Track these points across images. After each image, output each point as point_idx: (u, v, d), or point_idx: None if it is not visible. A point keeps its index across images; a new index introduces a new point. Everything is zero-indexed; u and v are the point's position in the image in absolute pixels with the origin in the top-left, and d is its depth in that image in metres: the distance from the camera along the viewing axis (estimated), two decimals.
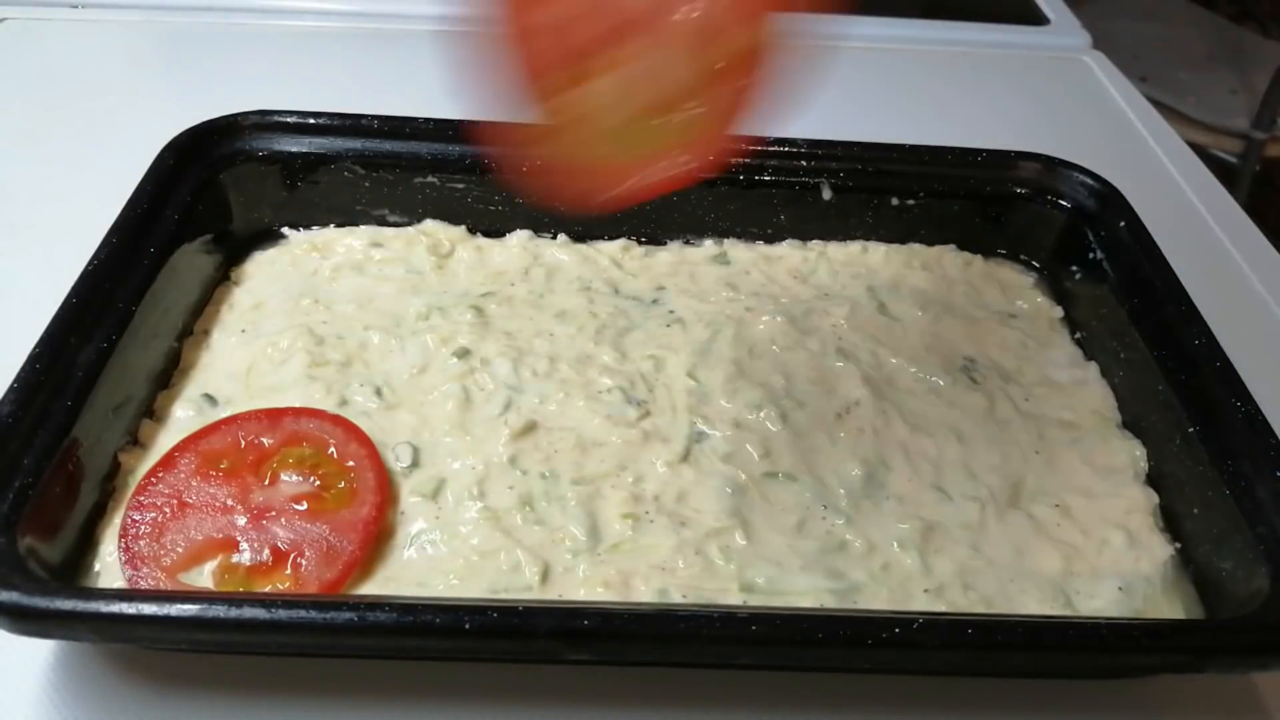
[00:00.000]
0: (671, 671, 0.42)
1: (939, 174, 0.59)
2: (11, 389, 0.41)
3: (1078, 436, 0.50)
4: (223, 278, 0.55)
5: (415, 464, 0.46)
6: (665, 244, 0.60)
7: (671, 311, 0.55)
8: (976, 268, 0.60)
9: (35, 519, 0.39)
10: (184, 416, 0.47)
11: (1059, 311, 0.57)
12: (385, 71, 0.77)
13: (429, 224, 0.58)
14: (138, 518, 0.42)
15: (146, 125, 0.57)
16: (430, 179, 0.57)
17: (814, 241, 0.60)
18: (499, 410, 0.48)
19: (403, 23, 0.82)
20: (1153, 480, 0.48)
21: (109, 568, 0.41)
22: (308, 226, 0.57)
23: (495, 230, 0.58)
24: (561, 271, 0.56)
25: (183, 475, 0.43)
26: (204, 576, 0.41)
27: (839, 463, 0.47)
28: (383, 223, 0.58)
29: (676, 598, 0.41)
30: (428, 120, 0.57)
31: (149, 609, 0.35)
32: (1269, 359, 0.56)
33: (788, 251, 0.60)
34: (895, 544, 0.44)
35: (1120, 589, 0.43)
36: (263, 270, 0.55)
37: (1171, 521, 0.47)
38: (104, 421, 0.44)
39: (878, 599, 0.42)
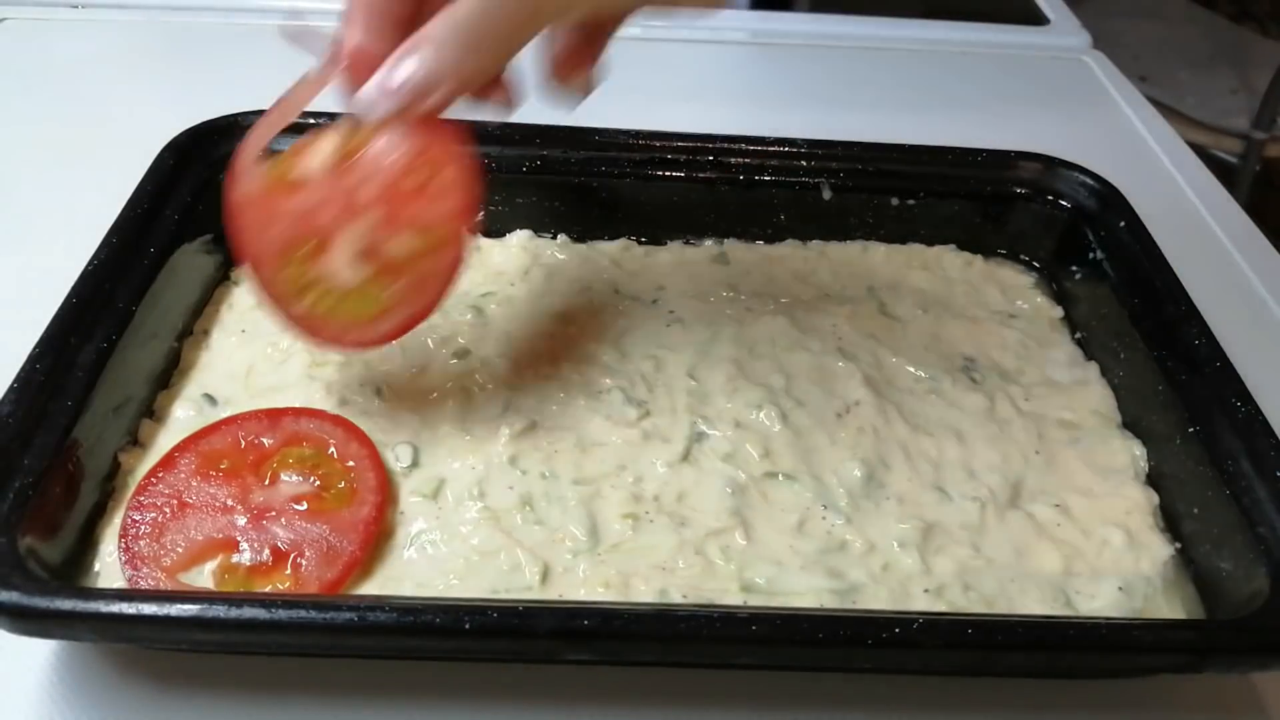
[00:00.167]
0: (671, 671, 0.42)
1: (939, 174, 0.59)
2: (11, 389, 0.41)
3: (1078, 436, 0.50)
4: (223, 278, 0.55)
5: (415, 464, 0.46)
6: (665, 244, 0.60)
7: (671, 311, 0.55)
8: (976, 268, 0.60)
9: (35, 519, 0.39)
10: (184, 416, 0.47)
11: (1059, 311, 0.57)
12: None
13: None
14: (138, 518, 0.42)
15: (146, 125, 0.57)
16: None
17: (814, 241, 0.60)
18: (499, 410, 0.48)
19: None
20: (1153, 480, 0.48)
21: (109, 568, 0.41)
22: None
23: (495, 230, 0.59)
24: (561, 271, 0.56)
25: (183, 475, 0.43)
26: (204, 576, 0.41)
27: (839, 463, 0.47)
28: None
29: (676, 598, 0.41)
30: None
31: (149, 609, 0.35)
32: (1269, 359, 0.56)
33: (788, 251, 0.60)
34: (895, 544, 0.44)
35: (1120, 589, 0.43)
36: None
37: (1171, 521, 0.47)
38: (104, 421, 0.44)
39: (878, 599, 0.42)
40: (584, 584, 0.42)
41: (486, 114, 0.42)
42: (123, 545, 0.41)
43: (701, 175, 0.58)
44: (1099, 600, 0.43)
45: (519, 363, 0.50)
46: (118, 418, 0.45)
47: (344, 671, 0.41)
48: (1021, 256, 0.61)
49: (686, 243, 0.60)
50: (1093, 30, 0.93)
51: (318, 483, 0.43)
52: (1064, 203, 0.59)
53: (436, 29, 0.38)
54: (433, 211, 0.41)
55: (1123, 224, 0.56)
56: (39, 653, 0.41)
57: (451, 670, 0.41)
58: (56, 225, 0.61)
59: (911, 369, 0.52)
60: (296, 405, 0.47)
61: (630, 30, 0.44)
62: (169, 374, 0.49)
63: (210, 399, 0.48)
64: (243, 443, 0.45)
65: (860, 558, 0.43)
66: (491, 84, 0.41)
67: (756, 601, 0.42)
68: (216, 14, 0.85)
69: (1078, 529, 0.46)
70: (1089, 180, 0.59)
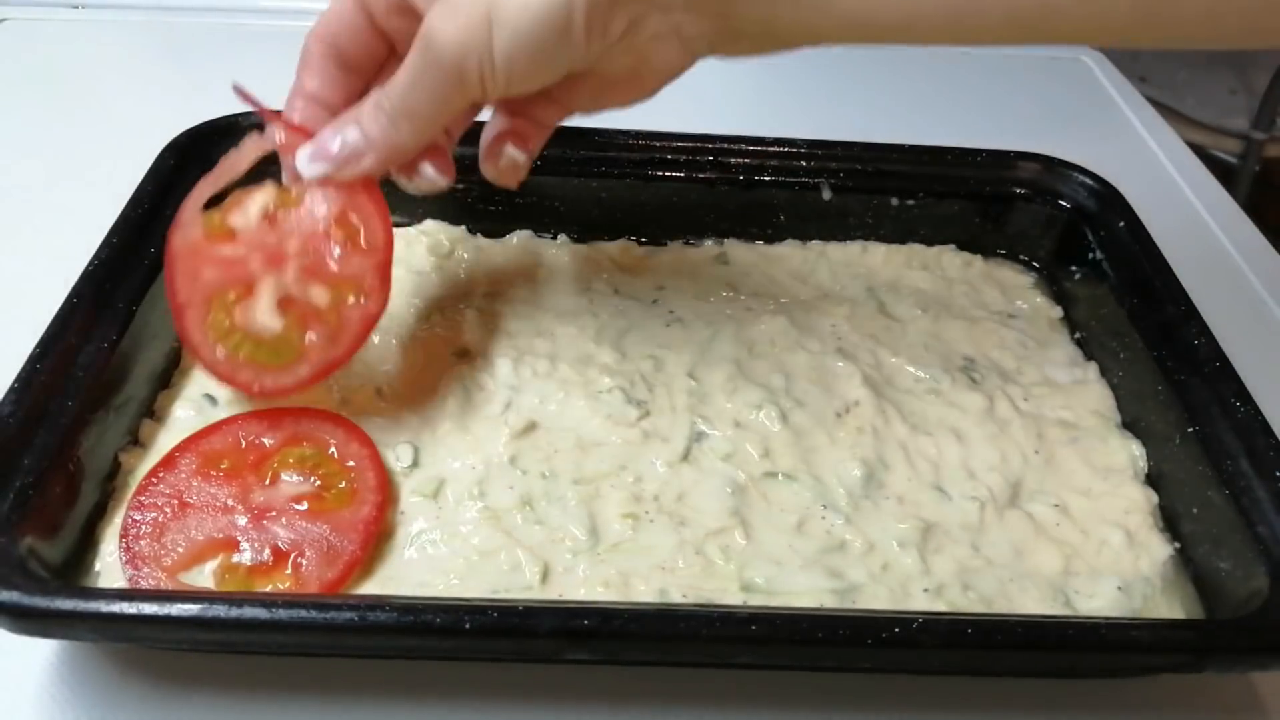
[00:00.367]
0: (671, 671, 0.42)
1: (939, 174, 0.59)
2: (11, 389, 0.41)
3: (1077, 436, 0.50)
4: None
5: (415, 464, 0.46)
6: (665, 244, 0.60)
7: (671, 311, 0.55)
8: (976, 268, 0.60)
9: (36, 519, 0.39)
10: (184, 416, 0.47)
11: (1058, 311, 0.57)
12: None
13: (429, 224, 0.58)
14: (138, 517, 0.42)
15: (146, 125, 0.57)
16: None
17: (814, 241, 0.60)
18: (499, 410, 0.48)
19: None
20: (1152, 480, 0.48)
21: (109, 568, 0.41)
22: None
23: (495, 230, 0.59)
24: (561, 271, 0.56)
25: (183, 475, 0.43)
26: (204, 576, 0.41)
27: (839, 462, 0.47)
28: None
29: (676, 597, 0.41)
30: None
31: (149, 609, 0.35)
32: (1269, 359, 0.56)
33: (788, 251, 0.60)
34: (895, 543, 0.44)
35: (1119, 588, 0.43)
36: None
37: (1171, 521, 0.47)
38: (104, 421, 0.44)
39: (877, 598, 0.42)
40: (584, 584, 0.42)
41: (424, 182, 0.45)
42: (123, 545, 0.41)
43: (701, 175, 0.58)
44: (1098, 600, 0.43)
45: (518, 363, 0.50)
46: (118, 417, 0.45)
47: (344, 671, 0.41)
48: (1021, 256, 0.61)
49: (686, 243, 0.60)
50: None
51: (318, 483, 0.43)
52: (1063, 203, 0.59)
53: (366, 106, 0.43)
54: (351, 266, 0.45)
55: (1122, 224, 0.56)
56: (39, 653, 0.41)
57: (451, 670, 0.41)
58: (56, 225, 0.61)
59: (911, 369, 0.52)
60: (297, 406, 0.47)
61: None
62: (170, 374, 0.49)
63: (211, 399, 0.48)
64: (243, 443, 0.45)
65: (860, 557, 0.44)
66: (431, 152, 0.44)
67: (756, 601, 0.42)
68: (216, 14, 0.85)
69: (1077, 529, 0.46)
70: (1088, 180, 0.59)
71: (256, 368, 0.45)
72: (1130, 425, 0.51)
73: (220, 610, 0.35)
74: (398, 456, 0.46)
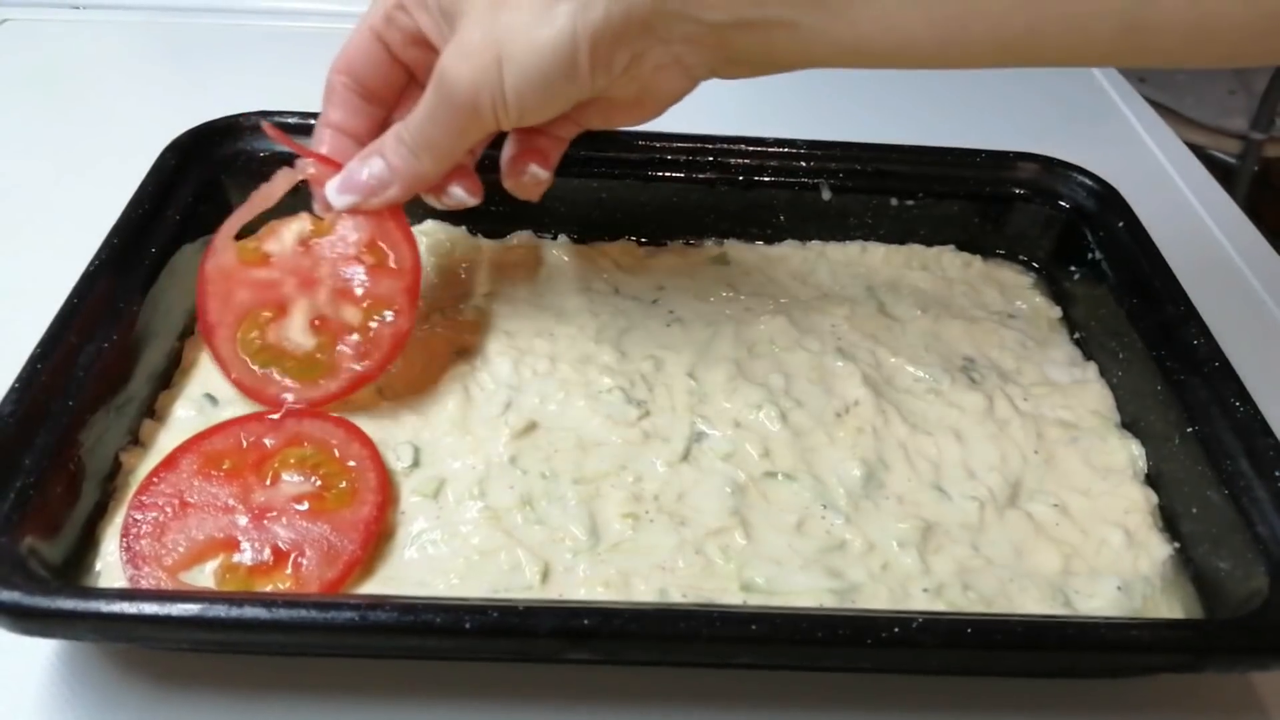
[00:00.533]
0: (671, 671, 0.42)
1: (939, 174, 0.59)
2: (12, 389, 0.41)
3: (1076, 436, 0.50)
4: None
5: (416, 464, 0.46)
6: (665, 244, 0.60)
7: (671, 311, 0.55)
8: (976, 268, 0.60)
9: (36, 519, 0.39)
10: (185, 416, 0.47)
11: (1058, 311, 0.57)
12: None
13: (429, 224, 0.58)
14: (139, 517, 0.42)
15: (147, 125, 0.58)
16: None
17: (814, 241, 0.60)
18: (499, 410, 0.48)
19: None
20: (1152, 480, 0.48)
21: (110, 567, 0.41)
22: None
23: (495, 230, 0.59)
24: (561, 271, 0.57)
25: (184, 475, 0.43)
26: (205, 576, 0.41)
27: (839, 462, 0.47)
28: None
29: (676, 597, 0.41)
30: None
31: (150, 609, 0.35)
32: (1269, 359, 0.56)
33: (788, 251, 0.60)
34: (895, 543, 0.44)
35: (1119, 588, 0.43)
36: None
37: (1170, 521, 0.47)
38: (105, 421, 0.44)
39: (877, 598, 0.42)
40: (584, 584, 0.42)
41: (453, 201, 0.48)
42: (124, 545, 0.41)
43: (701, 175, 0.58)
44: (1098, 600, 0.43)
45: (519, 363, 0.50)
46: (119, 417, 0.45)
47: (344, 671, 0.41)
48: (1020, 257, 0.61)
49: (686, 243, 0.60)
50: None
51: (319, 483, 0.43)
52: (1063, 203, 0.59)
53: (389, 139, 0.46)
54: (381, 288, 0.48)
55: (1121, 224, 0.56)
56: (39, 653, 0.41)
57: (451, 670, 0.41)
58: (56, 225, 0.61)
59: (911, 369, 0.52)
60: (297, 406, 0.47)
61: None
62: (170, 373, 0.49)
63: (211, 399, 0.48)
64: (245, 443, 0.45)
65: (860, 557, 0.44)
66: (458, 173, 0.48)
67: (756, 601, 0.42)
68: (216, 14, 0.85)
69: (1077, 528, 0.46)
70: (1088, 180, 0.59)
71: (285, 383, 0.47)
72: (1130, 425, 0.51)
73: (220, 610, 0.35)
74: (398, 456, 0.46)
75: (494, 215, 0.58)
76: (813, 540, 0.44)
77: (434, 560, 0.42)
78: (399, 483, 0.45)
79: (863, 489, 0.46)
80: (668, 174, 0.58)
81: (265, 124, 0.50)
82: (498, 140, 0.49)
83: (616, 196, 0.58)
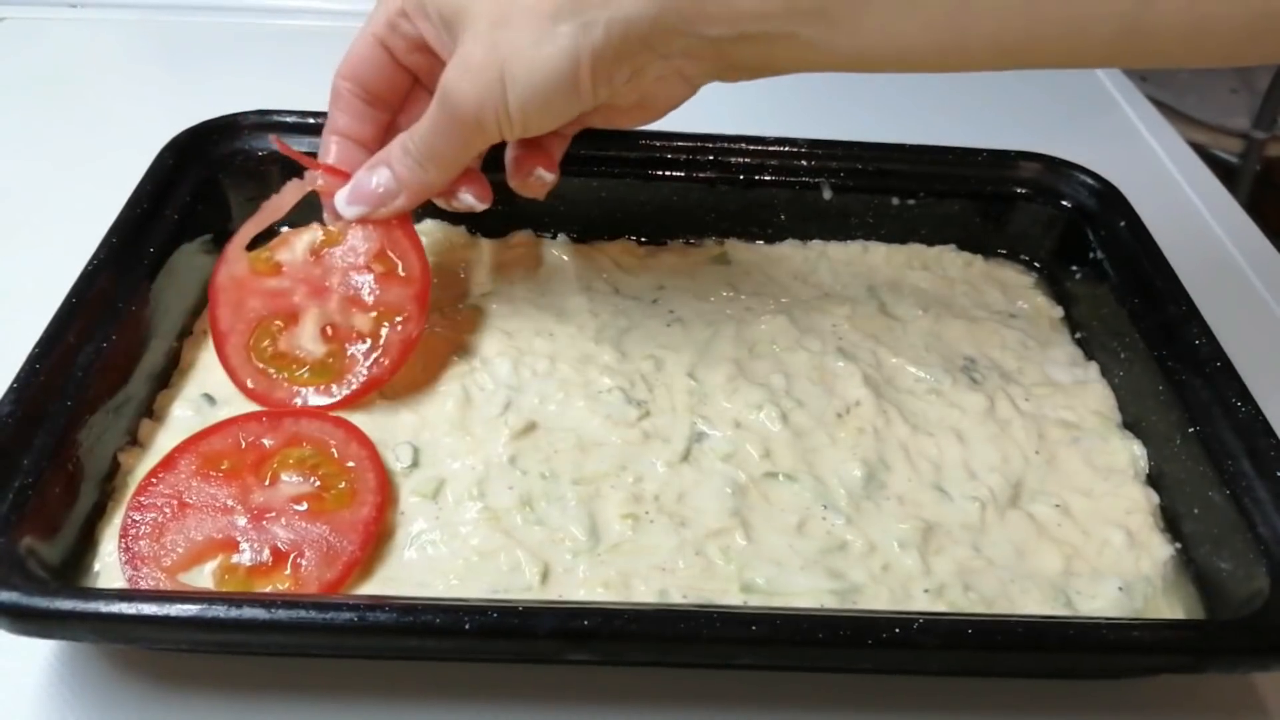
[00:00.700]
0: (671, 671, 0.42)
1: (939, 174, 0.59)
2: (11, 389, 0.41)
3: (1078, 436, 0.50)
4: None
5: (415, 464, 0.46)
6: (665, 244, 0.60)
7: (671, 311, 0.55)
8: (977, 268, 0.60)
9: (35, 519, 0.39)
10: (184, 416, 0.47)
11: (1059, 311, 0.57)
12: None
13: (428, 223, 0.58)
14: (138, 518, 0.42)
15: (146, 125, 0.58)
16: None
17: (814, 241, 0.60)
18: (499, 410, 0.48)
19: None
20: (1153, 480, 0.48)
21: (109, 568, 0.41)
22: (307, 226, 0.57)
23: (495, 230, 0.58)
24: (561, 271, 0.56)
25: (183, 476, 0.43)
26: (204, 577, 0.41)
27: (839, 463, 0.47)
28: None
29: (676, 598, 0.41)
30: None
31: (149, 609, 0.35)
32: (1269, 359, 0.56)
33: (788, 251, 0.60)
34: (895, 544, 0.44)
35: (1120, 589, 0.43)
36: None
37: (1172, 521, 0.47)
38: (104, 421, 0.44)
39: (878, 599, 0.42)
40: (584, 584, 0.42)
41: (462, 205, 0.49)
42: (123, 545, 0.41)
43: (701, 175, 0.58)
44: (1099, 600, 0.43)
45: (518, 363, 0.50)
46: (117, 418, 0.45)
47: (344, 672, 0.41)
48: (1022, 256, 0.61)
49: (687, 242, 0.60)
50: None
51: (318, 483, 0.43)
52: (1064, 202, 0.59)
53: (395, 150, 0.46)
54: (391, 295, 0.49)
55: (1123, 224, 0.56)
56: (39, 653, 0.41)
57: (451, 670, 0.41)
58: (56, 225, 0.61)
59: (912, 369, 0.52)
60: (297, 406, 0.47)
61: None
62: (169, 373, 0.49)
63: (209, 399, 0.48)
64: (243, 443, 0.45)
65: (860, 558, 0.43)
66: (468, 178, 0.48)
67: (756, 602, 0.41)
68: (216, 14, 0.85)
69: (1078, 529, 0.46)
70: (1089, 180, 0.58)
71: (296, 390, 0.47)
72: (1131, 425, 0.51)
73: (220, 611, 0.35)
74: (397, 457, 0.46)
75: (494, 214, 0.58)
76: (813, 541, 0.44)
77: (433, 561, 0.42)
78: (398, 483, 0.45)
79: (864, 489, 0.46)
80: (668, 173, 0.58)
81: (274, 138, 0.51)
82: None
83: (616, 196, 0.58)
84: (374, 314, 0.48)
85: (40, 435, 0.41)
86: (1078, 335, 0.56)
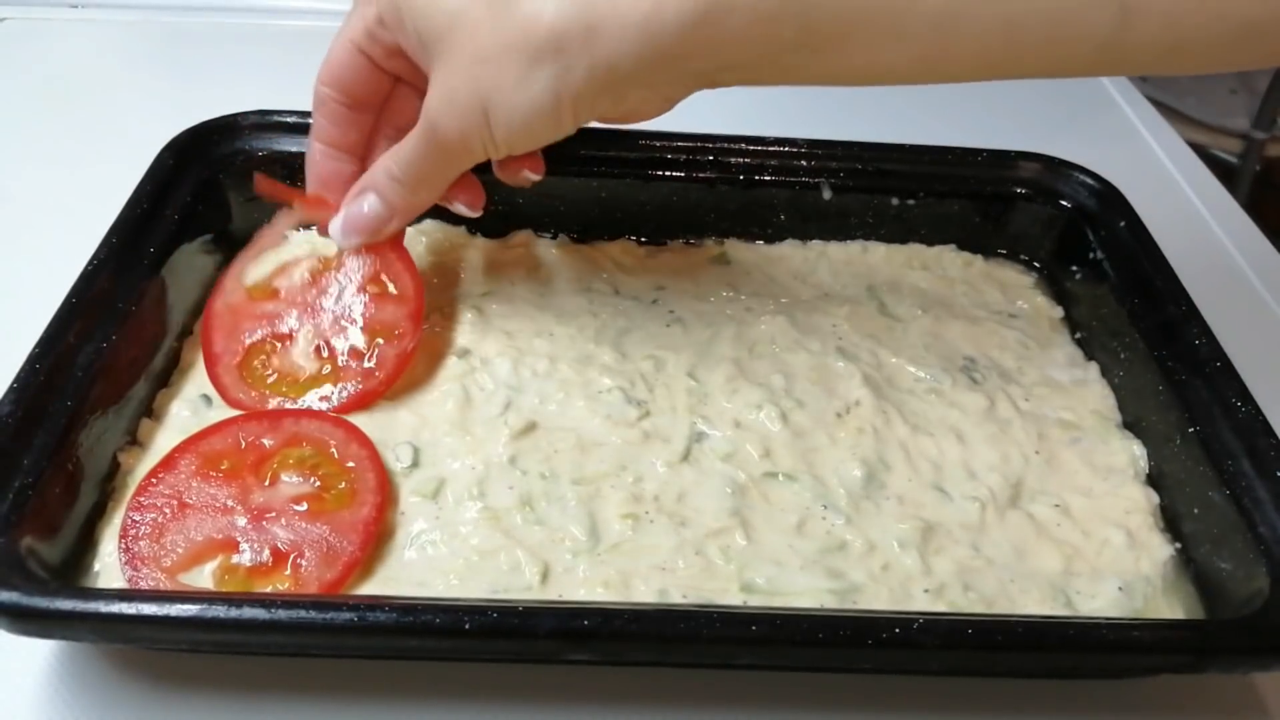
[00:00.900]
0: (671, 671, 0.42)
1: (939, 174, 0.59)
2: (11, 389, 0.41)
3: (1078, 436, 0.50)
4: None
5: (415, 464, 0.46)
6: (665, 244, 0.60)
7: (671, 311, 0.55)
8: (977, 268, 0.60)
9: (35, 519, 0.39)
10: (183, 416, 0.47)
11: (1059, 311, 0.57)
12: None
13: (429, 224, 0.58)
14: (138, 518, 0.42)
15: (146, 125, 0.58)
16: None
17: (814, 241, 0.60)
18: (499, 410, 0.48)
19: None
20: (1153, 480, 0.48)
21: (109, 568, 0.41)
22: (307, 227, 0.57)
23: (495, 230, 0.58)
24: (561, 271, 0.56)
25: (183, 476, 0.43)
26: (204, 577, 0.41)
27: (839, 463, 0.47)
28: None
29: (676, 598, 0.41)
30: None
31: (149, 609, 0.35)
32: (1269, 359, 0.56)
33: (788, 251, 0.60)
34: (895, 544, 0.44)
35: (1120, 589, 0.43)
36: None
37: (1172, 521, 0.47)
38: (103, 421, 0.44)
39: (878, 599, 0.42)
40: (584, 584, 0.42)
41: (456, 211, 0.50)
42: (123, 545, 0.41)
43: (701, 175, 0.58)
44: (1099, 600, 0.43)
45: (518, 363, 0.50)
46: (117, 417, 0.45)
47: (344, 672, 0.41)
48: (1022, 256, 0.61)
49: (686, 242, 0.60)
50: None
51: (318, 483, 0.43)
52: (1064, 203, 0.59)
53: (381, 177, 0.47)
54: (386, 314, 0.49)
55: (1123, 224, 0.56)
56: (39, 653, 0.41)
57: (451, 670, 0.41)
58: (56, 225, 0.61)
59: (911, 369, 0.52)
60: (297, 406, 0.47)
61: None
62: (168, 373, 0.49)
63: (208, 399, 0.48)
64: (243, 443, 0.45)
65: (860, 558, 0.43)
66: (459, 186, 0.48)
67: (756, 601, 0.41)
68: (216, 14, 0.85)
69: (1078, 529, 0.46)
70: (1089, 180, 0.59)
71: (286, 403, 0.47)
72: (1131, 425, 0.51)
73: (219, 611, 0.35)
74: (397, 457, 0.46)
75: (494, 214, 0.58)
76: (813, 541, 0.44)
77: (433, 561, 0.42)
78: (398, 483, 0.45)
79: (863, 489, 0.46)
80: (668, 173, 0.58)
81: (257, 176, 0.51)
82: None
83: (616, 196, 0.58)
84: (368, 332, 0.49)
85: (40, 435, 0.41)
86: (1078, 335, 0.56)
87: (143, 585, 0.40)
